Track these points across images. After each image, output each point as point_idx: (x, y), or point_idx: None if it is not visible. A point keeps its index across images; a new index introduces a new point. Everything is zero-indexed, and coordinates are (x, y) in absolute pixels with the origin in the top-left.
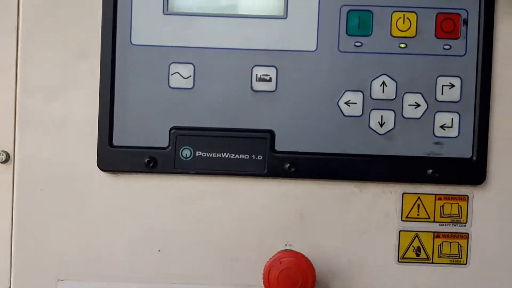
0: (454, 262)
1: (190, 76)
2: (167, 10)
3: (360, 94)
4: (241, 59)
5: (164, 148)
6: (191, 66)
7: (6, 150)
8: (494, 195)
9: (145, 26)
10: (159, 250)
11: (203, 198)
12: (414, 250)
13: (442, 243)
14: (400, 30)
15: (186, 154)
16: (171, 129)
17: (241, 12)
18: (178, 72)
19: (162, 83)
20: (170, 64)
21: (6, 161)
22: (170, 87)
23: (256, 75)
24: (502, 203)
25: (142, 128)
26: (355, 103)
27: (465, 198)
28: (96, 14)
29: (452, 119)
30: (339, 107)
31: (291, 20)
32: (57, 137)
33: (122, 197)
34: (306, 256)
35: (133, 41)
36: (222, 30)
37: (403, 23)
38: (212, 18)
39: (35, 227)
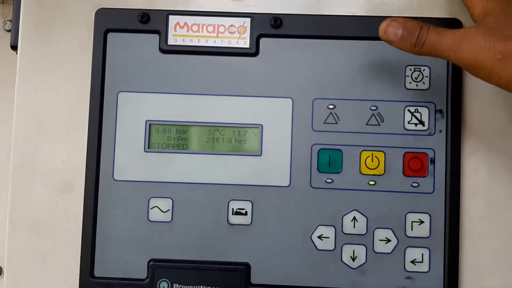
0: None
1: (168, 210)
2: (148, 147)
3: (333, 229)
4: (218, 193)
5: (143, 280)
6: (170, 200)
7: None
8: None
9: (126, 162)
10: None
11: None
12: None
13: None
14: (369, 168)
15: (164, 287)
16: (149, 261)
17: (219, 150)
18: (157, 206)
19: (142, 216)
20: (149, 199)
21: None
22: (149, 220)
23: (233, 209)
24: None
25: (122, 260)
26: (328, 237)
27: None
28: (82, 152)
29: (422, 254)
30: (312, 241)
31: (266, 157)
32: (42, 267)
33: None
34: None
35: (115, 177)
36: (200, 166)
37: (372, 161)
38: (190, 154)
39: None
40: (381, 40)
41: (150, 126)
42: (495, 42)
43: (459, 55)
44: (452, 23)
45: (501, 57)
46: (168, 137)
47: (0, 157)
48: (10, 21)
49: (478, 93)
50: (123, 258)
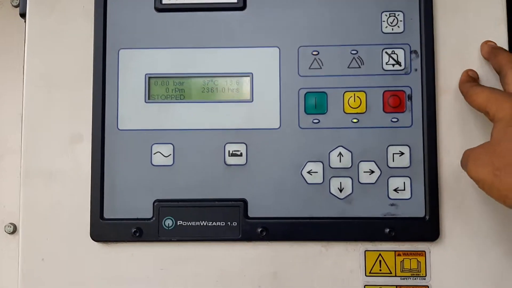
0: None
1: (170, 154)
2: (148, 99)
3: (320, 164)
4: (214, 138)
5: (149, 219)
6: (171, 145)
7: (14, 223)
8: (449, 249)
9: (129, 113)
10: None
11: (185, 263)
12: None
13: None
14: (352, 107)
15: (169, 224)
16: (154, 202)
17: (214, 98)
18: (159, 152)
19: (146, 161)
20: (152, 145)
21: (13, 232)
22: (152, 164)
23: (229, 151)
24: (457, 256)
25: (128, 202)
26: (316, 172)
27: (422, 253)
28: (88, 106)
29: (404, 182)
30: (302, 176)
31: (257, 103)
32: (56, 213)
33: (113, 264)
34: None
35: (120, 127)
36: (197, 114)
37: (354, 101)
38: (188, 103)
39: None
40: None
41: (149, 79)
42: (495, 158)
43: (467, 170)
44: None
45: (498, 173)
46: (166, 88)
47: (12, 120)
48: None
49: (449, 33)
50: (130, 201)
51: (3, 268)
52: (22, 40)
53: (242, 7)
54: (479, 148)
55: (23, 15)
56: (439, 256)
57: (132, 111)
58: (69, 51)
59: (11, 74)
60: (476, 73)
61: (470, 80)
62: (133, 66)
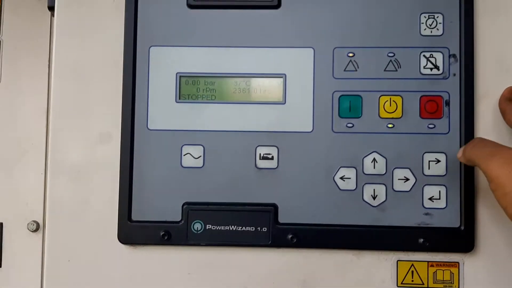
0: None
1: (200, 156)
2: (179, 98)
3: (354, 170)
4: (245, 140)
5: (178, 222)
6: (201, 147)
7: (36, 220)
8: (483, 261)
9: (159, 113)
10: None
11: (213, 268)
12: None
13: None
14: (387, 112)
15: (198, 227)
16: (183, 204)
17: (246, 99)
18: (189, 153)
19: (175, 163)
20: (182, 146)
21: (36, 230)
22: (182, 166)
23: (260, 154)
24: (491, 268)
25: (157, 204)
26: (349, 178)
27: (456, 265)
28: (117, 104)
29: (439, 191)
30: (335, 182)
31: (289, 105)
32: (82, 213)
33: (140, 267)
34: None
35: (149, 127)
36: (229, 115)
37: (390, 105)
38: (219, 104)
39: None
40: None
41: (180, 78)
42: None
43: (486, 165)
44: None
45: None
46: (197, 88)
47: (35, 115)
48: None
49: (490, 37)
50: (158, 203)
51: (25, 267)
52: (46, 34)
53: (277, 6)
54: (508, 149)
55: (51, 8)
56: (473, 268)
57: (163, 110)
58: (98, 46)
59: (34, 68)
60: None
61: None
62: (164, 64)
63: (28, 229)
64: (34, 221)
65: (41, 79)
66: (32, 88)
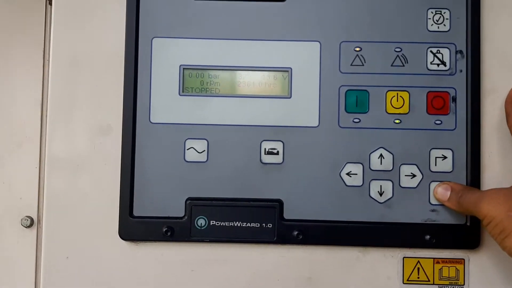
0: None
1: (204, 150)
2: (182, 91)
3: (360, 166)
4: (250, 134)
5: (181, 218)
6: (205, 141)
7: (31, 216)
8: (489, 258)
9: (162, 106)
10: None
11: (217, 265)
12: None
13: None
14: (394, 107)
15: (201, 223)
16: (186, 200)
17: (251, 93)
18: (193, 147)
19: (179, 157)
20: (185, 140)
21: (30, 225)
22: (185, 161)
23: (265, 149)
24: (496, 265)
25: (160, 199)
26: (356, 174)
27: (461, 261)
28: (118, 96)
29: None
30: (341, 177)
31: (295, 99)
32: (81, 208)
33: (142, 265)
34: None
35: (152, 120)
36: (233, 109)
37: (397, 101)
38: (223, 98)
39: None
40: None
41: (184, 70)
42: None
43: (479, 208)
44: None
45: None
46: (201, 81)
47: (29, 106)
48: None
49: (496, 33)
50: (161, 198)
51: (19, 263)
52: (41, 23)
53: None
54: (496, 190)
55: None
56: (478, 265)
57: (166, 103)
58: (99, 37)
59: (28, 58)
60: None
61: None
62: (167, 56)
63: (21, 224)
64: (28, 217)
65: (36, 69)
66: (26, 79)
